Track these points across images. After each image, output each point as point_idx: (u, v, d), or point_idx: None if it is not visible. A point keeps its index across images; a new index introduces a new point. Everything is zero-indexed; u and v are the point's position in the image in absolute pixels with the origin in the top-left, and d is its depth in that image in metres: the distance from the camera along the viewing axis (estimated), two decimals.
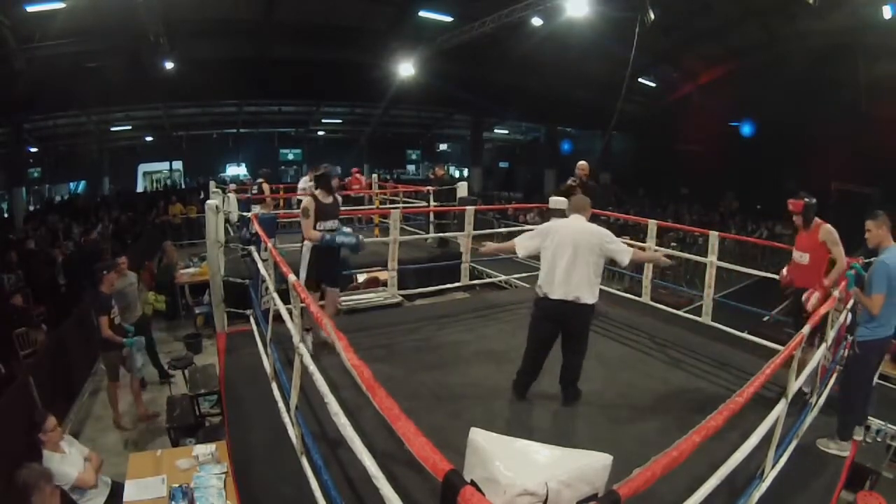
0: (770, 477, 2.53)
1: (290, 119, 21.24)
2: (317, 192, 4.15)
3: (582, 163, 5.59)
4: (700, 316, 4.87)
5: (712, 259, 4.79)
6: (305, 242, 4.07)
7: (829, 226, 3.60)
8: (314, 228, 4.01)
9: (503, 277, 6.93)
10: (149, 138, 20.16)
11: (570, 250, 3.16)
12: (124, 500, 3.11)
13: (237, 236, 7.02)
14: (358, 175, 9.89)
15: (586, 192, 5.24)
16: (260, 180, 8.95)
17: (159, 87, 13.65)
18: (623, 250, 3.29)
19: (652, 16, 10.32)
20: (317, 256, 4.04)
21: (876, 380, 3.71)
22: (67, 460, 3.33)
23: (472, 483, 1.37)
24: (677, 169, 20.86)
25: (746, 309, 5.18)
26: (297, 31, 13.47)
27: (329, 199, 4.16)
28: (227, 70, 13.89)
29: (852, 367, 3.30)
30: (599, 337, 4.54)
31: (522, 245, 3.46)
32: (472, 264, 6.40)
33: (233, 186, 10.93)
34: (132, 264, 7.43)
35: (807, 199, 3.73)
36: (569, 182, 5.63)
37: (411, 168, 26.56)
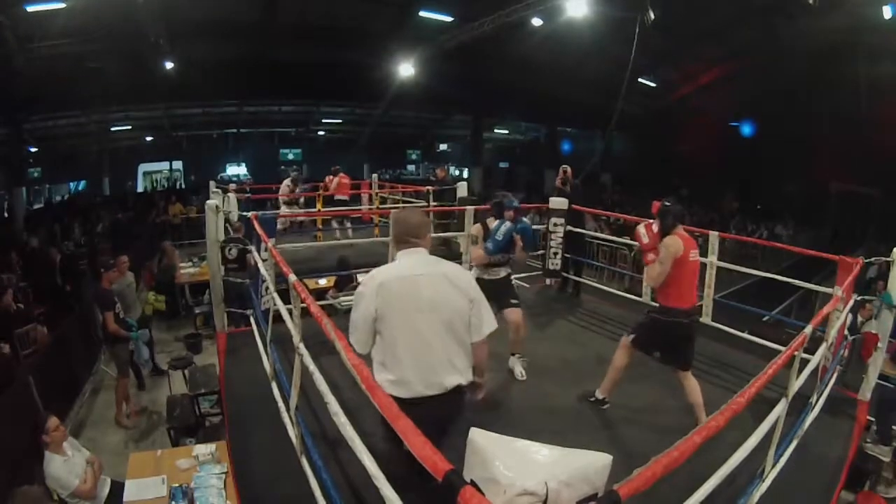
0: (770, 477, 2.53)
1: (290, 119, 21.24)
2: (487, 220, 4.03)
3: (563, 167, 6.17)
4: (700, 316, 4.86)
5: (712, 259, 4.78)
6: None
7: (668, 240, 3.18)
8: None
9: None
10: (149, 138, 20.16)
11: None
12: (124, 500, 3.11)
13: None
14: (344, 180, 9.83)
15: (562, 194, 5.85)
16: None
17: (159, 87, 13.65)
18: None
19: (652, 16, 10.32)
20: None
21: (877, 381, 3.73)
22: (69, 465, 3.32)
23: (472, 483, 1.37)
24: (677, 169, 20.85)
25: (746, 309, 5.17)
26: (297, 31, 13.46)
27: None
28: (227, 70, 13.88)
29: None
30: (599, 337, 4.55)
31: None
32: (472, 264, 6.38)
33: (233, 186, 10.95)
34: (132, 264, 7.44)
35: (665, 203, 3.29)
36: (557, 184, 6.09)
37: (411, 168, 26.55)
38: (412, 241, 2.14)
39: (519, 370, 3.94)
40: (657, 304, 3.35)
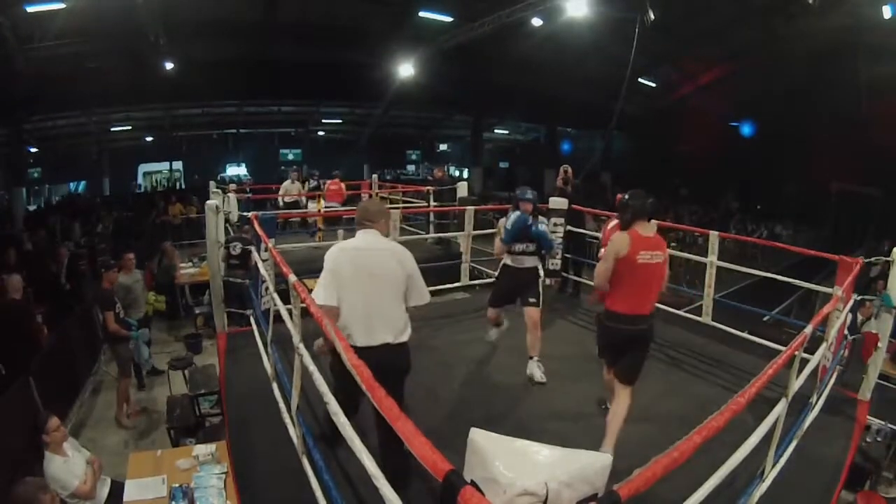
0: (770, 477, 2.53)
1: (290, 119, 21.24)
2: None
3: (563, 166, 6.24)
4: (700, 316, 4.86)
5: (712, 259, 4.78)
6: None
7: (615, 236, 3.01)
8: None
9: None
10: (149, 138, 20.16)
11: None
12: (124, 500, 3.12)
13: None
14: (332, 187, 9.84)
15: (563, 195, 5.86)
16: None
17: (159, 87, 13.65)
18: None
19: (652, 16, 10.33)
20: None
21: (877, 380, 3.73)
22: (69, 466, 3.32)
23: (472, 483, 1.37)
24: (677, 169, 20.86)
25: (746, 309, 5.17)
26: (297, 31, 13.46)
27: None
28: (227, 70, 13.89)
29: None
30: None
31: None
32: (472, 264, 6.40)
33: (233, 187, 10.96)
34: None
35: (625, 197, 3.08)
36: (558, 184, 6.12)
37: (411, 168, 26.56)
38: (367, 223, 2.63)
39: (539, 374, 3.83)
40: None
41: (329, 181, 9.76)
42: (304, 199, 9.94)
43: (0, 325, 4.97)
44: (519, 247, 3.99)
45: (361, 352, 2.02)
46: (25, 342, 5.05)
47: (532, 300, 3.92)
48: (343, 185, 9.66)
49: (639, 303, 2.91)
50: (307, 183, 10.29)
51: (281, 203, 9.56)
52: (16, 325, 5.13)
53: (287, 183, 9.89)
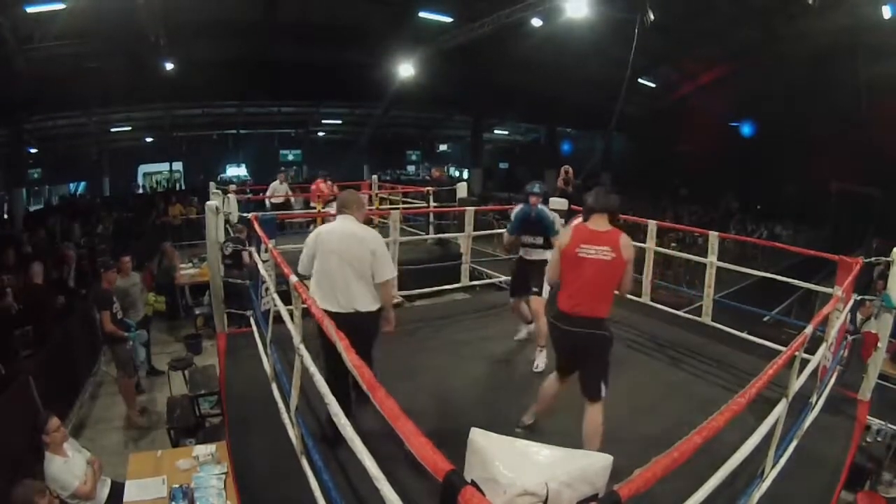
0: (770, 477, 2.53)
1: (290, 120, 21.25)
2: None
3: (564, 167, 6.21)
4: (700, 316, 4.86)
5: (712, 259, 4.78)
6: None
7: (562, 229, 3.10)
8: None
9: (503, 278, 6.91)
10: (149, 139, 20.16)
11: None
12: (124, 500, 3.11)
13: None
14: (321, 184, 9.89)
15: (564, 195, 5.81)
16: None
17: (159, 87, 13.67)
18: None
19: (652, 16, 10.33)
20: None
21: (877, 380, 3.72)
22: (69, 466, 3.32)
23: (473, 483, 1.37)
24: (677, 169, 20.87)
25: (746, 309, 5.17)
26: (297, 31, 13.47)
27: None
28: (227, 70, 13.90)
29: None
30: (539, 293, 4.54)
31: None
32: (473, 265, 6.40)
33: (233, 187, 10.97)
34: (132, 265, 7.40)
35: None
36: (559, 185, 6.08)
37: (411, 168, 26.56)
38: (344, 210, 3.07)
39: (537, 362, 4.01)
40: None
41: (316, 182, 9.86)
42: (291, 199, 9.97)
43: (28, 306, 6.02)
44: (528, 239, 4.18)
45: (333, 315, 2.36)
46: (49, 320, 5.99)
47: (535, 289, 4.09)
48: (327, 186, 9.71)
49: (578, 301, 2.71)
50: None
51: (268, 204, 9.57)
52: (41, 305, 6.10)
53: (275, 184, 9.95)
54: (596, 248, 2.68)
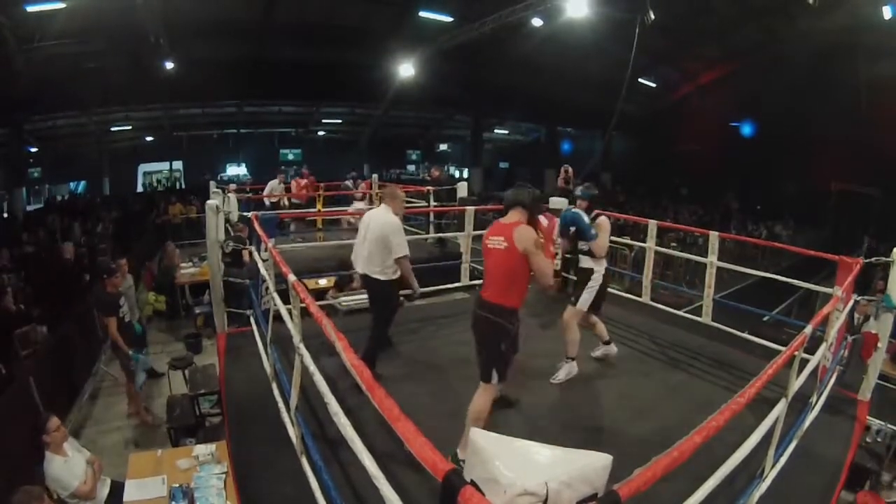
0: (770, 477, 2.53)
1: (290, 119, 21.23)
2: None
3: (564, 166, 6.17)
4: (700, 316, 4.87)
5: (712, 259, 4.78)
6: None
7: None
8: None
9: None
10: (149, 139, 20.14)
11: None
12: (124, 500, 3.11)
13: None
14: (300, 181, 9.99)
15: (565, 194, 5.79)
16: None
17: (159, 87, 13.65)
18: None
19: (652, 16, 10.33)
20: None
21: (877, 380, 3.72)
22: (69, 466, 3.31)
23: (472, 483, 1.37)
24: (677, 169, 20.87)
25: (746, 309, 5.17)
26: (296, 31, 13.47)
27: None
28: (227, 70, 13.89)
29: None
30: (575, 304, 4.54)
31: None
32: (473, 264, 6.40)
33: (233, 187, 10.98)
34: (133, 265, 7.40)
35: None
36: (558, 184, 6.07)
37: (411, 168, 26.56)
38: (385, 201, 3.94)
39: (561, 375, 3.85)
40: None
41: (297, 178, 9.98)
42: (284, 200, 9.98)
43: (59, 281, 7.25)
44: (580, 244, 4.08)
45: (362, 277, 3.94)
46: (76, 294, 7.05)
47: (571, 299, 4.02)
48: (306, 182, 9.78)
49: (486, 288, 2.91)
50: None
51: (268, 203, 9.58)
52: (70, 281, 7.38)
53: (273, 182, 9.96)
54: (497, 239, 2.83)
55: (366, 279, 3.86)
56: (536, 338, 4.64)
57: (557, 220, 3.44)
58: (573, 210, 4.08)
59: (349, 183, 10.79)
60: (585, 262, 4.03)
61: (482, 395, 2.85)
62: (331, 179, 11.01)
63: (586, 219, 3.97)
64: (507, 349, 2.83)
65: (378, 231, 3.72)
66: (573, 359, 3.88)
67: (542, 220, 3.26)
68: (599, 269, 3.97)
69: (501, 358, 2.84)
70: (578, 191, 4.11)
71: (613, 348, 4.26)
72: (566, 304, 4.06)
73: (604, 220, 3.99)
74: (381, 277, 3.77)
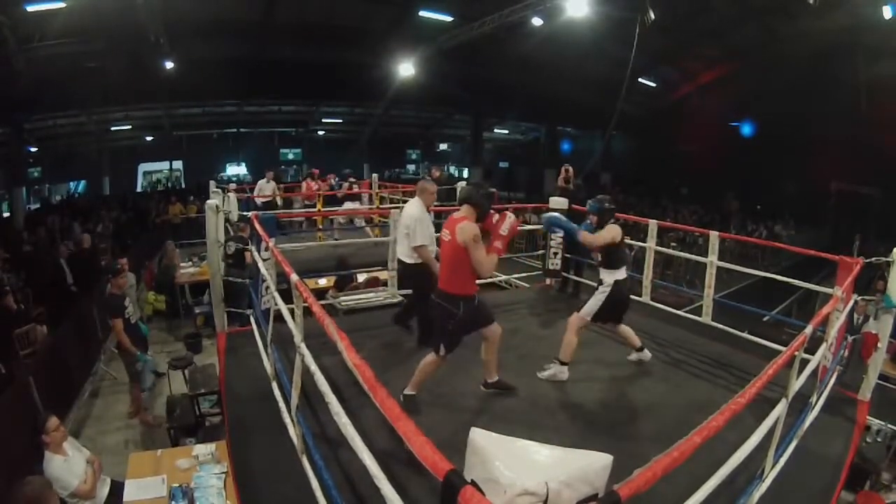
0: (770, 477, 2.53)
1: (290, 119, 21.25)
2: None
3: (565, 166, 6.22)
4: (700, 316, 4.86)
5: (712, 259, 4.78)
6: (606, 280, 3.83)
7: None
8: None
9: (503, 277, 6.93)
10: (149, 138, 20.15)
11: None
12: (124, 500, 3.11)
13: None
14: (311, 183, 10.06)
15: (566, 193, 5.88)
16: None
17: (159, 87, 13.67)
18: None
19: (652, 16, 10.34)
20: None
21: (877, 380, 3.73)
22: (68, 465, 3.31)
23: (473, 483, 1.38)
24: (677, 169, 20.87)
25: (746, 309, 5.17)
26: (297, 31, 13.47)
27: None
28: (227, 70, 13.89)
29: None
30: (599, 337, 4.54)
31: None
32: None
33: (233, 186, 10.98)
34: (133, 265, 7.40)
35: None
36: (558, 184, 6.10)
37: (411, 168, 26.57)
38: (417, 194, 4.37)
39: (545, 371, 3.85)
40: None
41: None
42: (278, 199, 9.98)
43: (79, 267, 8.11)
44: (593, 254, 4.06)
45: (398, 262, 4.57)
46: (94, 277, 7.76)
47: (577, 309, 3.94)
48: (317, 184, 9.87)
49: (440, 276, 3.29)
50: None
51: (259, 203, 9.55)
52: (87, 267, 8.24)
53: (262, 182, 9.95)
54: (445, 232, 3.16)
55: (399, 263, 4.51)
56: (537, 338, 4.64)
57: (510, 217, 3.32)
58: (551, 214, 4.15)
59: (332, 182, 10.78)
60: (602, 273, 3.88)
61: (431, 360, 3.28)
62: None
63: (562, 218, 4.01)
64: (454, 329, 3.19)
65: (404, 221, 4.25)
66: (564, 364, 3.79)
67: (495, 216, 3.26)
68: (609, 278, 3.81)
69: (447, 335, 3.21)
70: (588, 204, 3.96)
71: (647, 354, 4.12)
72: (567, 304, 4.05)
73: (609, 227, 3.81)
74: (408, 261, 4.31)
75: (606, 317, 3.90)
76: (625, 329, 4.06)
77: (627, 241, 4.29)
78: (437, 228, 4.19)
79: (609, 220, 3.83)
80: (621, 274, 3.82)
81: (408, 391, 3.28)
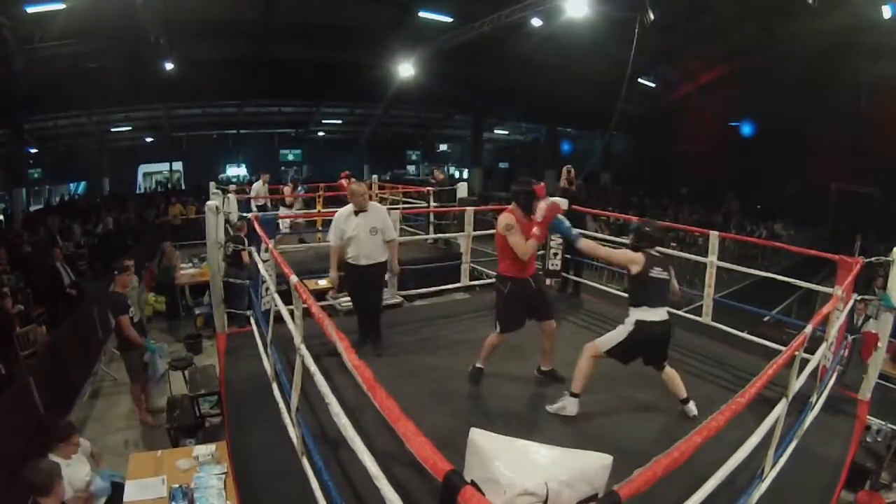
0: (770, 477, 2.53)
1: (290, 119, 21.25)
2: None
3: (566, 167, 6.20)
4: (700, 316, 4.86)
5: (712, 259, 4.78)
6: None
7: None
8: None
9: None
10: (149, 139, 20.16)
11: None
12: (124, 500, 3.11)
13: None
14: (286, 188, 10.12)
15: (567, 194, 5.82)
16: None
17: (159, 87, 13.67)
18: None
19: (652, 16, 10.32)
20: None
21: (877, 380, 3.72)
22: (68, 473, 3.27)
23: (473, 483, 1.38)
24: (677, 169, 20.86)
25: (746, 309, 5.17)
26: (297, 31, 13.48)
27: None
28: (227, 70, 13.91)
29: None
30: (599, 337, 4.54)
31: None
32: (473, 265, 6.40)
33: (233, 187, 10.97)
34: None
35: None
36: (560, 185, 6.09)
37: (411, 168, 26.58)
38: (349, 197, 4.29)
39: (555, 404, 3.46)
40: None
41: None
42: (268, 202, 9.95)
43: (102, 250, 9.27)
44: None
45: (363, 267, 4.22)
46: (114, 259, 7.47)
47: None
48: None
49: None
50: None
51: (254, 206, 9.49)
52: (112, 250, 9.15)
53: (257, 184, 9.93)
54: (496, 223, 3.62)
55: (368, 266, 4.34)
56: (538, 338, 4.63)
57: (544, 203, 3.33)
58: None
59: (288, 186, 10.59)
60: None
61: (492, 338, 3.69)
62: (332, 180, 10.96)
63: (564, 222, 3.55)
64: (503, 307, 3.61)
65: (370, 223, 4.25)
66: (575, 396, 3.32)
67: (542, 206, 3.38)
68: (632, 316, 3.28)
69: (499, 313, 3.65)
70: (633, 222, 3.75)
71: (693, 409, 3.34)
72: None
73: (627, 251, 3.45)
74: (381, 259, 4.38)
75: (629, 358, 3.38)
76: (668, 375, 3.40)
77: (626, 241, 3.97)
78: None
79: (642, 245, 3.34)
80: (646, 314, 3.24)
81: (478, 364, 3.70)
